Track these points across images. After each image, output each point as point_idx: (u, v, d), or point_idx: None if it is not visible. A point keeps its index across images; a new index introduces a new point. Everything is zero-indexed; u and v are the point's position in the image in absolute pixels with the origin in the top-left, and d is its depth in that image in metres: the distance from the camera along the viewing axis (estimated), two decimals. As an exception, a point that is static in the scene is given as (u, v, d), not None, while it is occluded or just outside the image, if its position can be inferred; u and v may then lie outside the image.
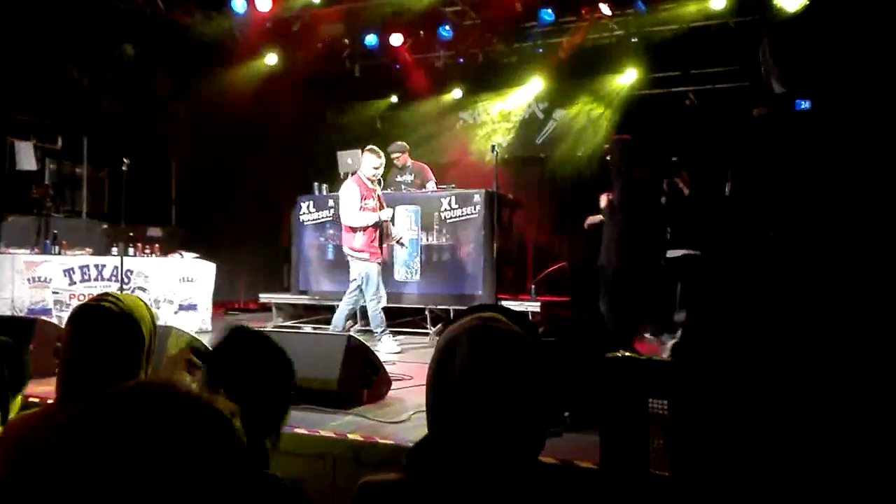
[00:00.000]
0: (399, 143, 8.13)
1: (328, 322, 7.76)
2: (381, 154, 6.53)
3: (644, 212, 5.58)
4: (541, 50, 9.80)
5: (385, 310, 7.12)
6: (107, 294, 1.89)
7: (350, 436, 3.28)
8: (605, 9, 8.74)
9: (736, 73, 8.43)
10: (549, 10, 8.96)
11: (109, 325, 1.78)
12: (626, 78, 9.37)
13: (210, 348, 4.49)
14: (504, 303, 7.19)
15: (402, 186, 7.93)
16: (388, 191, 7.91)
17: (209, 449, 0.78)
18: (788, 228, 0.99)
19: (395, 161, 8.00)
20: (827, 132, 1.13)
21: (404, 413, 3.69)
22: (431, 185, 7.86)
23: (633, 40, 9.18)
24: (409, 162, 8.06)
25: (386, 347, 6.16)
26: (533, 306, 7.08)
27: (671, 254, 7.13)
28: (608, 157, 5.59)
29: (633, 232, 5.36)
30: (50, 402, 2.47)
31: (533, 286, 7.64)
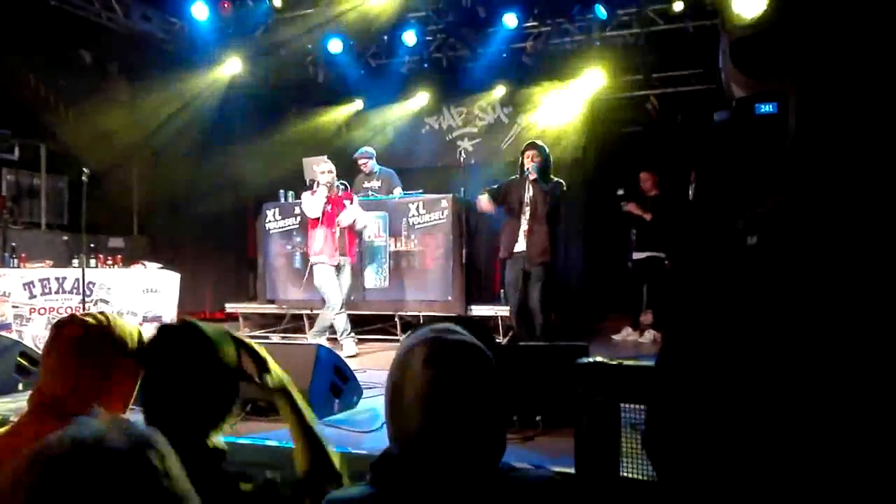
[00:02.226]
0: (366, 148, 8.12)
1: (297, 331, 7.70)
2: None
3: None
4: (505, 55, 9.86)
5: (354, 316, 7.15)
6: (91, 313, 1.86)
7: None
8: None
9: (698, 76, 8.59)
10: (513, 16, 9.03)
11: (86, 337, 1.75)
12: (589, 82, 9.47)
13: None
14: (473, 307, 7.21)
15: (370, 192, 7.91)
16: (355, 197, 7.89)
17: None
18: (768, 235, 1.00)
19: (361, 166, 7.99)
20: (792, 136, 1.15)
21: (376, 422, 3.67)
22: (398, 192, 7.86)
23: (595, 45, 9.27)
24: (376, 168, 8.05)
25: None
26: (502, 310, 7.10)
27: (636, 256, 7.25)
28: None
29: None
30: (14, 419, 2.41)
31: (502, 291, 7.65)
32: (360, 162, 8.01)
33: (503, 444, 1.23)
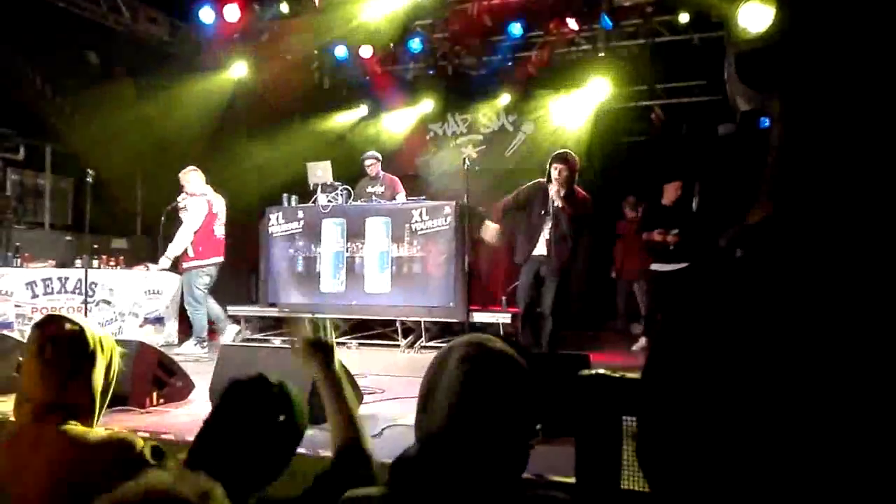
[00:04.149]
0: (373, 151, 8.17)
1: (297, 335, 7.69)
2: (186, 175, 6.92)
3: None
4: (510, 64, 9.89)
5: (357, 321, 7.23)
6: (64, 315, 1.87)
7: (321, 452, 3.24)
8: (572, 23, 8.86)
9: (703, 88, 8.60)
10: (518, 25, 9.07)
11: (65, 341, 1.77)
12: (594, 92, 9.49)
13: (178, 364, 4.47)
14: (475, 314, 7.21)
15: (373, 197, 7.93)
16: (359, 202, 7.91)
17: None
18: (757, 249, 1.01)
19: (367, 168, 8.03)
20: (794, 150, 1.15)
21: (377, 427, 3.66)
22: (401, 198, 7.88)
23: (600, 55, 9.30)
24: (381, 173, 8.08)
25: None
26: (503, 318, 7.10)
27: (660, 268, 7.12)
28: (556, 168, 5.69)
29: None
30: (11, 419, 2.41)
31: (504, 298, 7.66)
32: (368, 164, 8.05)
33: (526, 457, 1.23)
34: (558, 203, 5.61)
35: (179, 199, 6.89)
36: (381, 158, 8.13)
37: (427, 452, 1.21)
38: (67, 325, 1.80)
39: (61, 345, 1.77)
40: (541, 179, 5.84)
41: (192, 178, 6.87)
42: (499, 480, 1.18)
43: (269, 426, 1.54)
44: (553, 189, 5.62)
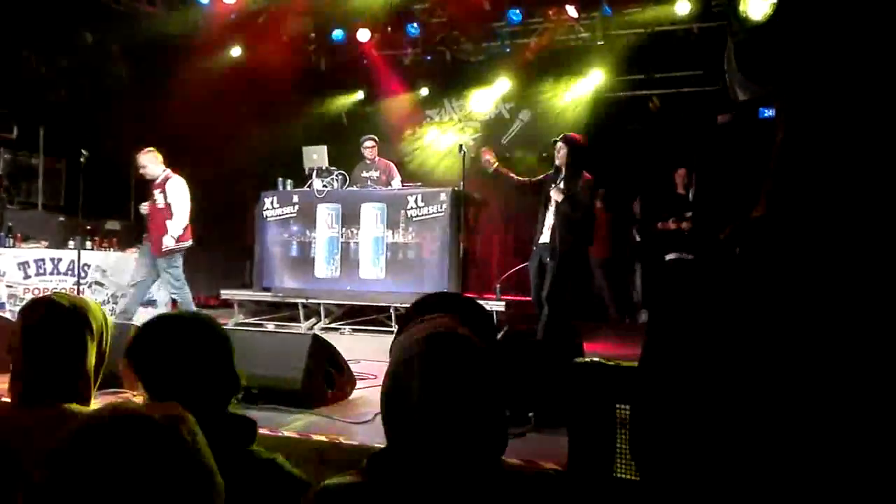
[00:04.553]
0: (372, 135, 8.15)
1: (292, 320, 7.69)
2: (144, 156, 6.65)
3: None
4: (508, 50, 9.83)
5: (351, 307, 7.18)
6: (58, 292, 1.87)
7: (314, 436, 3.25)
8: (571, 11, 8.81)
9: (700, 78, 8.57)
10: (517, 11, 9.01)
11: (58, 319, 1.76)
12: (592, 80, 9.45)
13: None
14: (469, 302, 7.19)
15: (368, 182, 7.90)
16: (354, 187, 7.88)
17: (169, 474, 0.87)
18: (754, 246, 1.00)
19: (365, 151, 7.99)
20: (794, 142, 1.14)
21: (369, 413, 3.66)
22: (396, 184, 7.86)
23: (599, 43, 9.26)
24: (377, 158, 8.05)
25: None
26: (498, 305, 7.10)
27: (676, 256, 7.13)
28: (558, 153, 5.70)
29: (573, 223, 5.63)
30: (4, 399, 2.40)
31: (498, 285, 7.65)
32: (368, 145, 8.01)
33: (504, 439, 1.22)
34: (554, 191, 5.63)
35: (156, 182, 6.63)
36: (378, 142, 8.09)
37: (400, 444, 1.20)
38: (58, 302, 1.78)
39: (53, 322, 1.75)
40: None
41: (153, 158, 6.63)
42: (477, 462, 1.18)
43: (194, 347, 1.61)
44: (554, 184, 5.67)
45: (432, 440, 1.16)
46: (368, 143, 8.03)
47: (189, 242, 6.70)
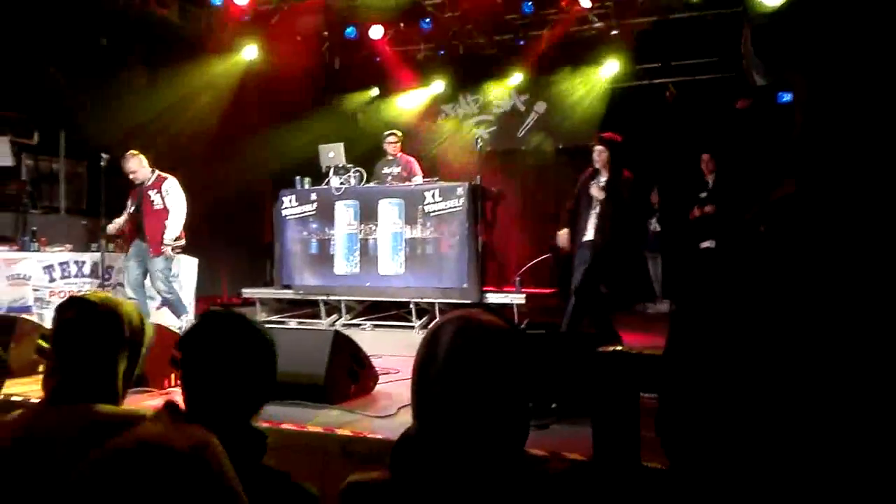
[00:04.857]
0: (396, 130, 8.16)
1: (314, 317, 7.75)
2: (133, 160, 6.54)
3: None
4: (521, 42, 9.80)
5: (371, 303, 7.18)
6: (93, 292, 1.88)
7: (338, 431, 3.28)
8: (584, 1, 8.76)
9: (716, 65, 8.49)
10: (529, 2, 8.97)
11: (90, 318, 1.76)
12: (607, 70, 9.40)
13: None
14: (489, 295, 7.22)
15: (389, 178, 7.93)
16: (372, 183, 7.91)
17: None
18: (780, 225, 1.00)
19: (387, 147, 8.00)
20: (813, 125, 1.14)
21: (392, 407, 3.69)
22: (418, 180, 7.86)
23: (613, 32, 9.20)
24: (400, 154, 8.07)
25: None
26: (517, 298, 7.10)
27: (704, 244, 7.07)
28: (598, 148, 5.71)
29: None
30: (35, 400, 2.45)
31: (517, 278, 7.65)
32: (390, 140, 8.01)
33: (526, 430, 1.23)
34: (595, 189, 5.66)
35: (147, 183, 6.57)
36: (402, 138, 8.10)
37: (425, 428, 1.22)
38: (91, 301, 1.79)
39: (85, 321, 1.76)
40: (590, 168, 5.86)
41: (140, 161, 6.57)
42: (499, 453, 1.19)
43: (243, 352, 1.60)
44: (594, 181, 5.68)
45: (457, 424, 1.17)
46: (391, 139, 8.03)
47: (184, 241, 6.70)
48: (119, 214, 6.64)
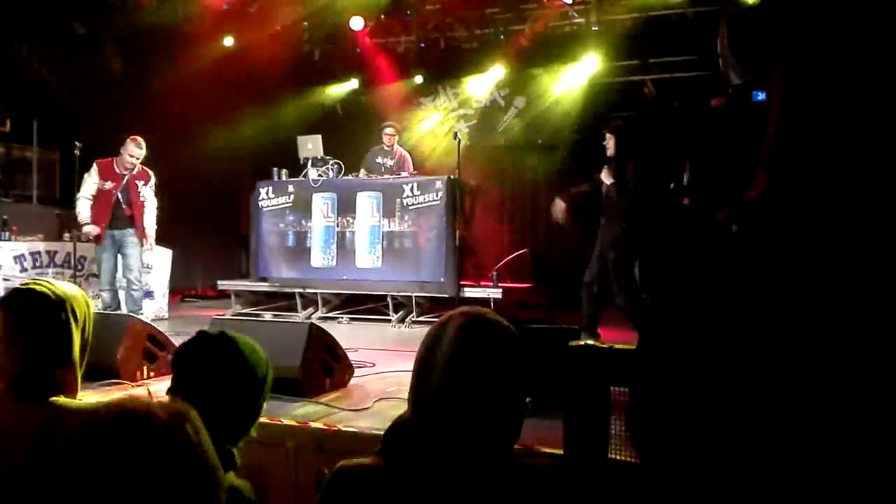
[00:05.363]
0: (394, 122, 8.16)
1: (290, 310, 7.71)
2: (139, 147, 6.49)
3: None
4: (502, 37, 9.80)
5: (348, 296, 7.15)
6: (38, 280, 1.83)
7: (312, 424, 3.27)
8: (565, -4, 8.79)
9: (695, 63, 8.56)
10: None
11: (40, 307, 1.71)
12: (587, 66, 9.43)
13: (168, 338, 4.47)
14: (466, 290, 7.22)
15: (382, 169, 7.91)
16: (361, 170, 7.91)
17: (168, 471, 0.87)
18: (752, 225, 1.01)
19: (385, 136, 7.97)
20: (789, 125, 1.16)
21: (367, 401, 3.68)
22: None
23: (593, 29, 9.23)
24: (396, 147, 8.06)
25: None
26: (494, 293, 7.12)
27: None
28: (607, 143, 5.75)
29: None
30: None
31: (494, 273, 7.67)
32: (388, 132, 8.00)
33: (518, 428, 1.25)
34: (606, 180, 5.72)
35: (135, 172, 6.50)
36: (400, 131, 8.10)
37: (421, 415, 1.23)
38: (35, 290, 1.73)
39: (30, 311, 1.71)
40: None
41: (143, 149, 6.54)
42: (491, 448, 1.20)
43: (234, 379, 1.60)
44: (605, 173, 5.73)
45: (454, 415, 1.18)
46: (389, 130, 8.01)
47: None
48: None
